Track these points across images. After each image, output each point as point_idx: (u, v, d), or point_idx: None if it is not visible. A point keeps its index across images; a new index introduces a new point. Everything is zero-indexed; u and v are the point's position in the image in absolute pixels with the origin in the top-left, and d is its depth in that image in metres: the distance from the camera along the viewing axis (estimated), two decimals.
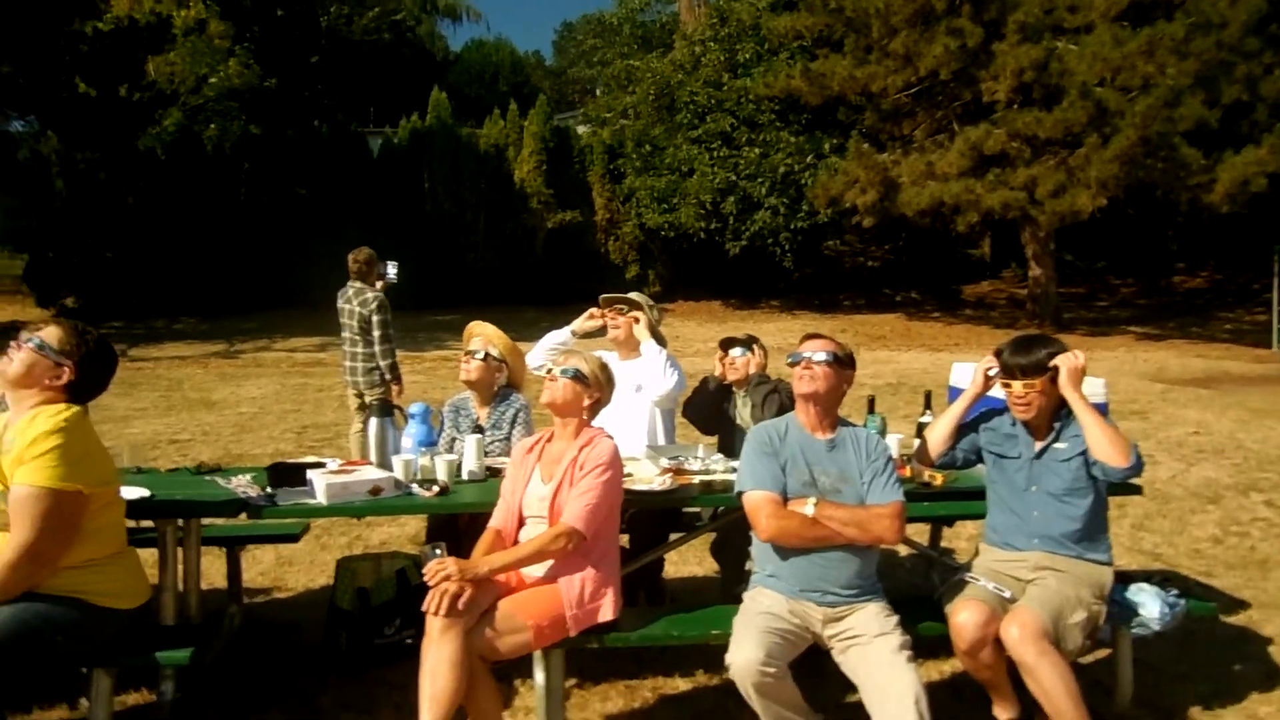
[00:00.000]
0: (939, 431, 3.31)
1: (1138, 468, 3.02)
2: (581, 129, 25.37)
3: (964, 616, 2.93)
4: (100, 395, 2.90)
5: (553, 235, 21.49)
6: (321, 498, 3.16)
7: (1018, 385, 3.12)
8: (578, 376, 3.12)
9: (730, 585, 3.84)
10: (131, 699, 3.31)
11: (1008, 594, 3.03)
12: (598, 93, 29.80)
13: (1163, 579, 3.38)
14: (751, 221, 20.09)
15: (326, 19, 29.23)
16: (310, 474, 3.30)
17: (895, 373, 12.90)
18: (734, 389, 4.26)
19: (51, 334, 2.79)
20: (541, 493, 3.02)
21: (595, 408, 3.18)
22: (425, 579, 2.76)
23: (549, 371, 3.18)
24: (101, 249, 19.06)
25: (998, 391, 3.27)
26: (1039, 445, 3.16)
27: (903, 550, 4.66)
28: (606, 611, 2.98)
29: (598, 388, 3.16)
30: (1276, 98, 15.89)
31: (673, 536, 3.94)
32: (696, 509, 4.09)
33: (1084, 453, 3.07)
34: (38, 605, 2.57)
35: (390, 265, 6.68)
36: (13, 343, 2.79)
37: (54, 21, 16.48)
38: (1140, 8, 16.17)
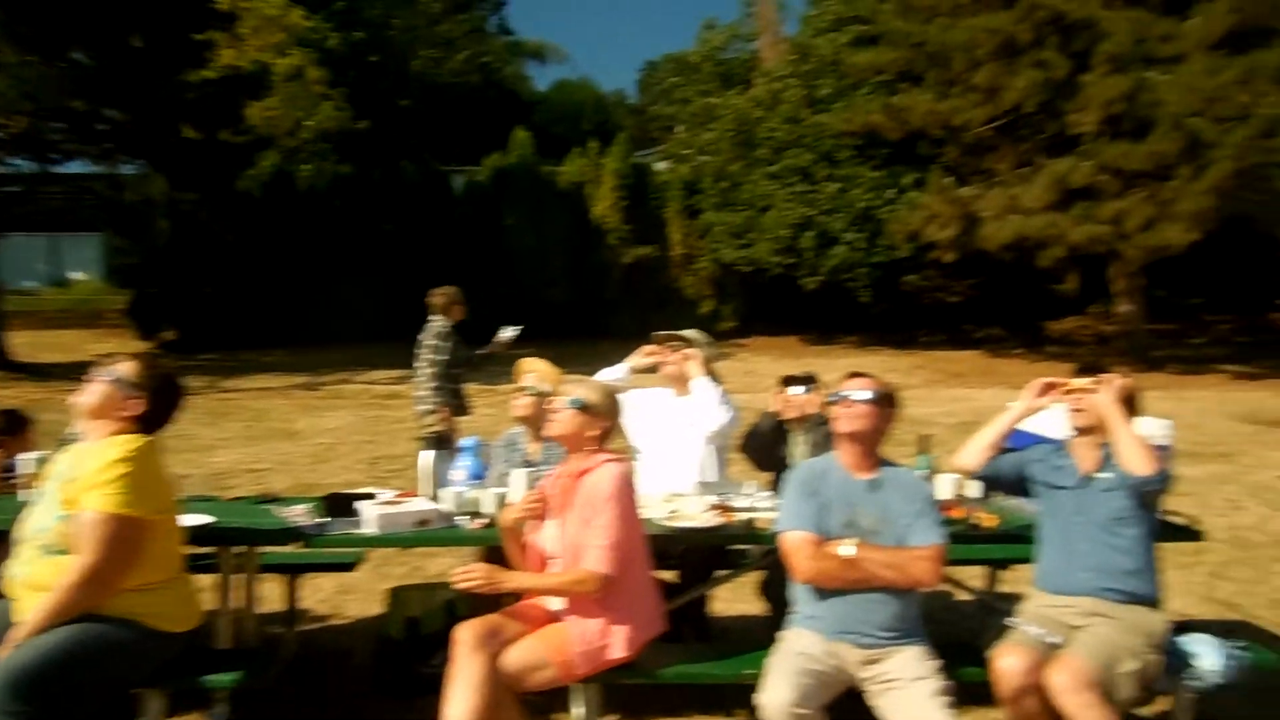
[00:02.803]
0: (983, 438, 3.30)
1: (1161, 479, 3.03)
2: (660, 165, 25.64)
3: (1007, 662, 2.86)
4: (169, 426, 3.06)
5: (629, 270, 21.70)
6: (370, 527, 3.26)
7: (1078, 382, 3.16)
8: (582, 406, 3.07)
9: (776, 625, 3.79)
10: None
11: (1056, 640, 2.94)
12: (678, 130, 30.09)
13: (1227, 629, 3.23)
14: (829, 256, 19.96)
15: (418, 63, 30.25)
16: (359, 504, 3.40)
17: (972, 410, 12.58)
18: (790, 428, 4.24)
19: (126, 368, 2.96)
20: (552, 530, 3.05)
21: (604, 437, 3.12)
22: (454, 578, 2.84)
23: (553, 402, 3.16)
24: (200, 285, 19.94)
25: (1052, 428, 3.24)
26: (1085, 472, 3.11)
27: (960, 595, 4.54)
28: (618, 650, 2.95)
29: (603, 417, 3.10)
30: None
31: (718, 573, 3.93)
32: (746, 546, 4.08)
33: (1133, 484, 3.00)
34: (95, 626, 2.70)
35: (508, 329, 6.93)
36: (90, 376, 2.97)
37: (166, 72, 17.46)
38: (1237, 36, 15.65)
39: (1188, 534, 3.45)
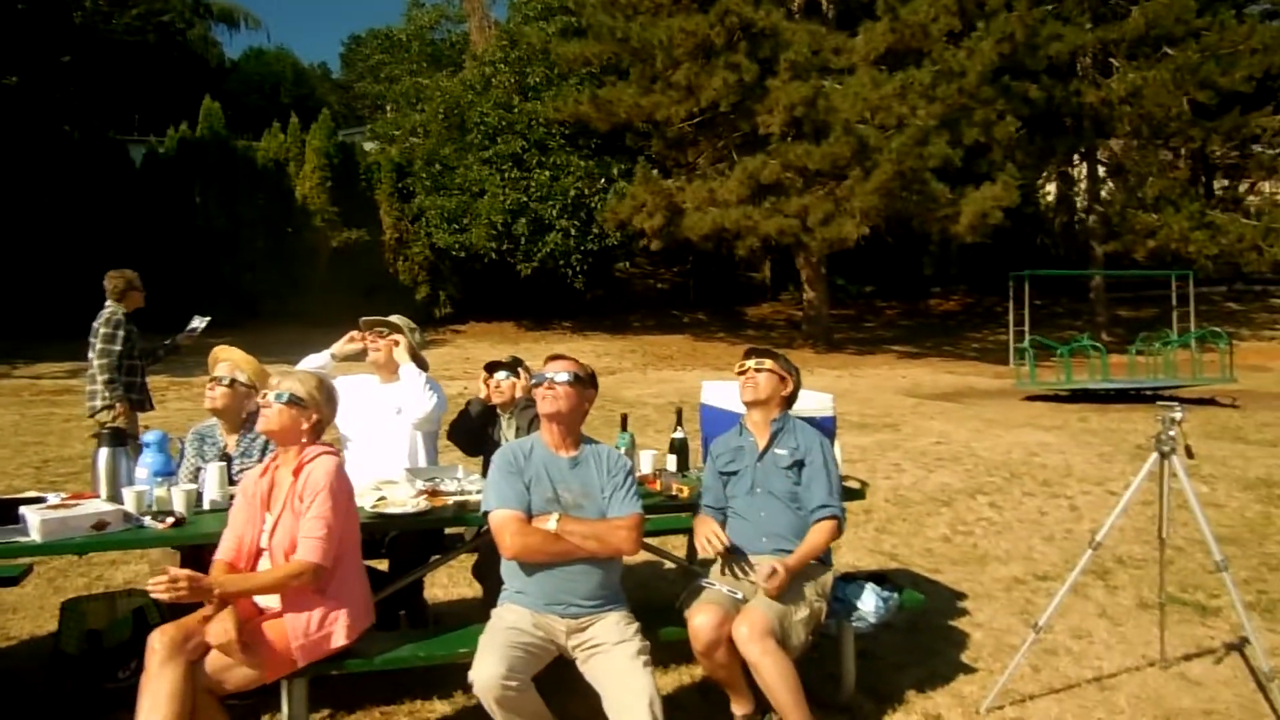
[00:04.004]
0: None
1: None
2: (369, 146, 24.75)
3: (700, 620, 3.12)
4: None
5: (337, 254, 20.75)
6: (35, 535, 2.94)
7: (750, 363, 3.48)
8: (292, 400, 3.02)
9: (491, 605, 3.86)
10: None
11: (740, 595, 3.25)
12: (386, 109, 29.17)
13: (880, 576, 3.72)
14: (543, 243, 20.27)
15: (81, 15, 26.92)
16: (24, 510, 3.06)
17: (678, 391, 13.36)
18: (499, 411, 4.31)
19: None
20: (268, 523, 2.95)
21: (317, 429, 3.09)
22: (150, 587, 2.60)
23: (264, 396, 3.09)
24: None
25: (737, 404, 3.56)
26: (761, 448, 3.45)
27: (667, 563, 4.86)
28: (338, 638, 2.93)
29: (315, 408, 3.07)
30: (1008, 140, 17.77)
31: (433, 559, 3.94)
32: (460, 530, 4.12)
33: (801, 463, 3.37)
34: None
35: (197, 319, 6.42)
36: None
37: None
38: (894, 54, 17.70)
39: (855, 495, 3.91)
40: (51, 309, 16.67)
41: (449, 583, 4.95)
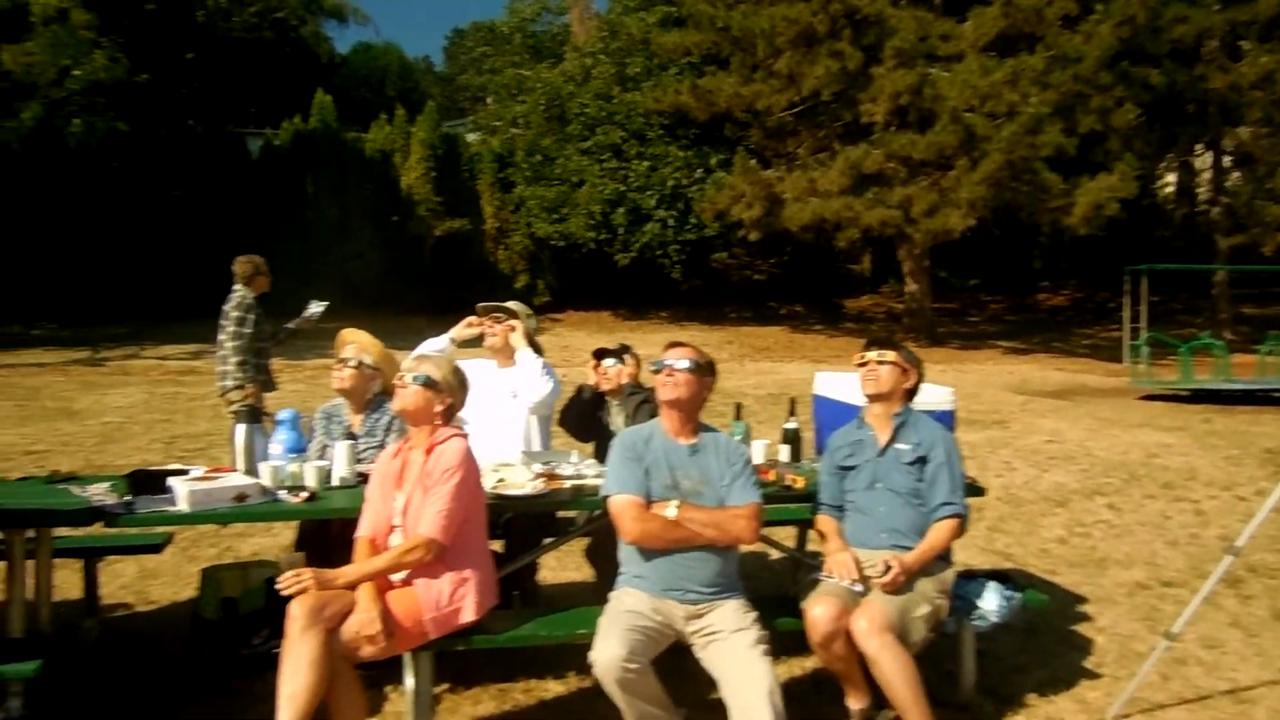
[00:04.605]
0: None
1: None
2: (471, 137, 25.21)
3: (818, 611, 3.09)
4: None
5: (440, 243, 21.23)
6: (183, 505, 3.10)
7: (871, 354, 3.40)
8: (428, 383, 3.12)
9: (604, 588, 3.89)
10: None
11: (860, 589, 3.20)
12: (488, 101, 29.65)
13: (1003, 576, 3.62)
14: (641, 233, 20.33)
15: (203, 14, 28.13)
16: (172, 481, 3.23)
17: (777, 383, 13.26)
18: (608, 398, 4.35)
19: None
20: (400, 502, 3.04)
21: (449, 413, 3.18)
22: (279, 588, 2.75)
23: (400, 378, 3.18)
24: None
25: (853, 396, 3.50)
26: (882, 443, 3.39)
27: (773, 553, 4.83)
28: (468, 613, 3.01)
29: (449, 393, 3.17)
30: (1126, 129, 17.02)
31: (546, 541, 4.00)
32: (571, 514, 4.17)
33: (924, 459, 3.30)
34: None
35: (315, 304, 6.66)
36: None
37: None
38: (1006, 39, 17.13)
39: (975, 491, 3.82)
40: (175, 293, 17.51)
41: (557, 565, 5.02)
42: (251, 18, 31.24)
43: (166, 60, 23.55)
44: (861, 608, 3.09)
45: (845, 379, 4.29)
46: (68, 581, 4.10)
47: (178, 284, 17.48)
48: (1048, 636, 4.18)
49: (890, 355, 3.44)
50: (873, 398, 3.46)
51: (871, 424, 3.47)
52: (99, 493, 3.22)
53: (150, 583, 4.63)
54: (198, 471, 3.41)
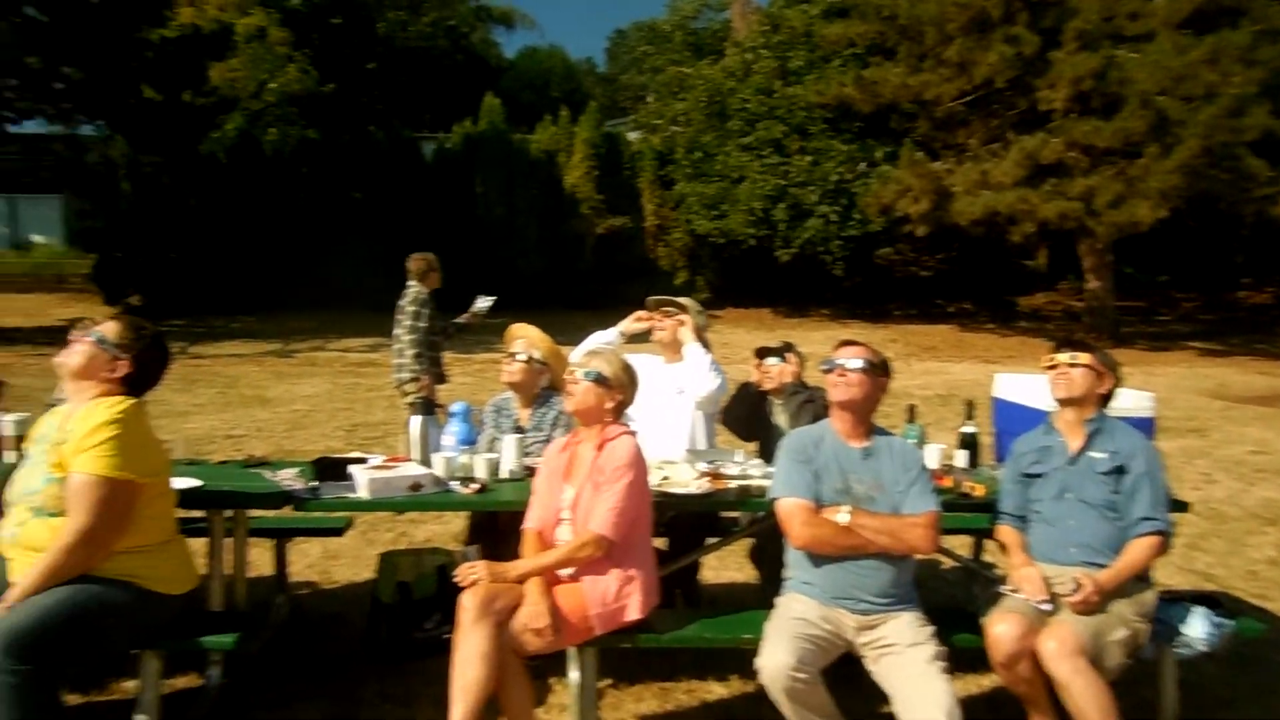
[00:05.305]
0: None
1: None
2: (632, 135, 25.47)
3: (1001, 629, 2.90)
4: (155, 388, 3.00)
5: (602, 241, 21.62)
6: (363, 492, 3.24)
7: (1063, 356, 3.16)
8: (599, 379, 3.11)
9: (768, 591, 3.82)
10: (180, 682, 3.40)
11: (1048, 607, 2.99)
12: (649, 99, 29.89)
13: (1211, 599, 3.31)
14: (802, 229, 20.01)
15: (384, 25, 29.69)
16: (352, 469, 3.37)
17: (945, 384, 12.75)
18: (770, 397, 4.26)
19: (110, 328, 2.90)
20: (569, 495, 3.05)
21: (619, 409, 3.17)
22: (455, 580, 2.83)
23: (571, 374, 3.18)
24: (165, 249, 19.56)
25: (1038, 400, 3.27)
26: (1073, 451, 3.14)
27: (946, 562, 4.61)
28: (633, 611, 3.00)
29: (620, 389, 3.15)
30: None
31: (709, 541, 3.95)
32: (735, 514, 4.10)
33: (1121, 469, 3.04)
34: (92, 587, 2.66)
35: (483, 299, 6.91)
36: (73, 336, 2.90)
37: (123, 29, 16.98)
38: (1204, 15, 15.80)
39: (1178, 507, 3.50)
40: (356, 289, 18.56)
41: (719, 565, 4.96)
42: (426, 27, 32.75)
43: (350, 71, 25.04)
44: (1051, 628, 2.87)
45: (1028, 381, 4.04)
46: (260, 560, 4.36)
47: (357, 280, 18.52)
48: (1259, 668, 3.80)
49: (1084, 358, 3.19)
50: (1064, 402, 3.22)
51: (1061, 430, 3.23)
52: (288, 477, 3.41)
53: (333, 563, 4.89)
54: (376, 460, 3.55)
